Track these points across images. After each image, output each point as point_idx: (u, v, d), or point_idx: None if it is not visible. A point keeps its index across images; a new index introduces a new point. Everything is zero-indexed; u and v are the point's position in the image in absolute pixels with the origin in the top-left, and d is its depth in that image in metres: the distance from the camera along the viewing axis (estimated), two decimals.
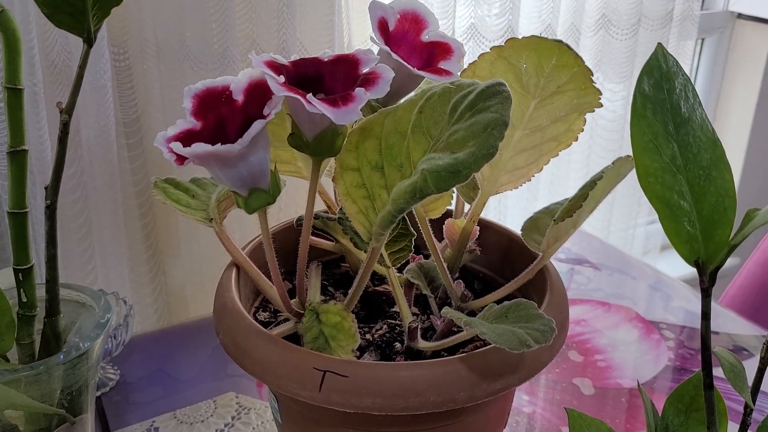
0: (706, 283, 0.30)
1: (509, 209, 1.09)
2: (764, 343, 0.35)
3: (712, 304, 0.81)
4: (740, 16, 1.39)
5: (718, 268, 0.30)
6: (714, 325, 0.76)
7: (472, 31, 0.93)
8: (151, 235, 0.83)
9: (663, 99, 0.30)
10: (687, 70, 1.20)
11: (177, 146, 0.33)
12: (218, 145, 0.33)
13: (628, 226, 1.26)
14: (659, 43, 0.31)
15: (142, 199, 0.81)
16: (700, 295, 0.81)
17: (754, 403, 0.34)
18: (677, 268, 1.41)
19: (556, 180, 1.15)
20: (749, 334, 0.75)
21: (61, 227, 0.74)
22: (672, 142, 0.30)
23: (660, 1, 1.07)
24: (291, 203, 0.81)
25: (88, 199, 0.75)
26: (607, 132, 1.14)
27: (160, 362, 0.69)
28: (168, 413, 0.63)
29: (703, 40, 1.42)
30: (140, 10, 0.72)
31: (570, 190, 1.19)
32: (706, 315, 0.30)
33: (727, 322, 0.77)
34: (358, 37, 0.84)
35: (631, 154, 0.39)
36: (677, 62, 0.31)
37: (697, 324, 0.76)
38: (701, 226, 0.30)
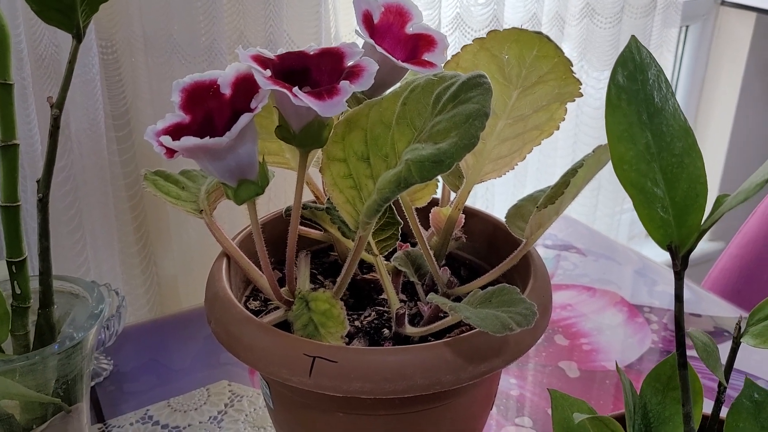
0: (679, 266, 0.31)
1: (497, 197, 1.10)
2: (737, 324, 0.37)
3: (695, 287, 0.82)
4: (723, 2, 1.40)
5: (689, 251, 0.31)
6: (696, 308, 0.78)
7: (458, 21, 0.94)
8: (142, 227, 0.83)
9: (637, 90, 0.32)
10: (671, 57, 1.21)
11: (166, 140, 0.34)
12: (207, 138, 0.34)
13: (614, 212, 1.28)
14: (633, 36, 0.32)
15: (132, 192, 0.82)
16: (687, 282, 0.83)
17: (727, 381, 0.36)
18: (662, 252, 1.43)
19: (543, 167, 1.17)
20: (731, 316, 0.76)
21: (51, 219, 0.75)
22: (646, 131, 0.31)
23: None
24: (280, 193, 0.81)
25: (79, 191, 0.76)
26: (592, 119, 1.16)
27: (153, 352, 0.70)
28: (162, 402, 0.64)
29: (687, 27, 1.44)
30: (127, 3, 0.72)
31: (557, 177, 1.20)
32: (679, 297, 0.32)
33: (709, 305, 0.78)
34: (345, 28, 0.85)
35: None
36: (650, 54, 0.32)
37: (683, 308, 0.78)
38: (674, 212, 0.31)
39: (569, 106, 0.47)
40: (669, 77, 1.43)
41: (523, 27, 0.98)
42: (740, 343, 0.36)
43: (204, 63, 0.73)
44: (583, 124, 1.15)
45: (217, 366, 0.68)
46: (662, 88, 0.32)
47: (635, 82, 0.32)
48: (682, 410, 0.33)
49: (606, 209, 1.25)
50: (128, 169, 0.81)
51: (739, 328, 0.36)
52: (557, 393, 0.40)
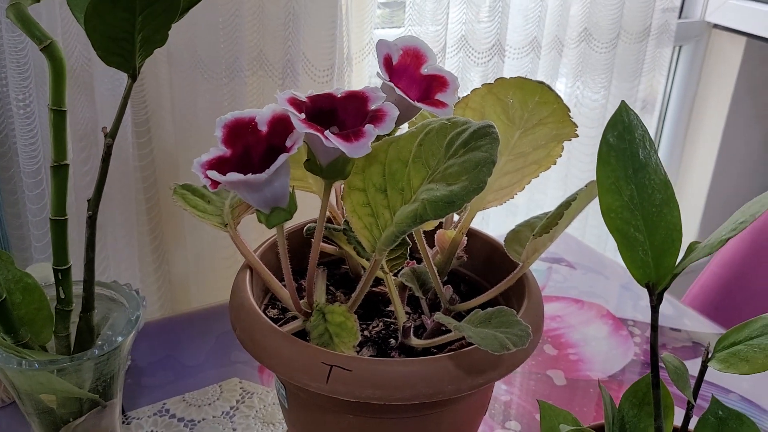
0: (655, 301, 0.36)
1: (492, 217, 1.16)
2: (705, 349, 0.42)
3: (676, 302, 0.88)
4: (716, 26, 1.46)
5: (664, 289, 0.36)
6: (676, 323, 0.83)
7: (462, 42, 0.99)
8: (157, 228, 0.88)
9: (624, 148, 0.37)
10: (663, 80, 1.27)
11: (214, 174, 0.39)
12: (249, 175, 0.39)
13: (603, 224, 1.33)
14: (623, 101, 0.37)
15: (149, 195, 0.87)
16: (668, 297, 0.88)
17: (695, 400, 0.41)
18: None
19: (535, 185, 1.22)
20: (708, 332, 0.82)
21: (75, 218, 0.79)
22: (631, 184, 0.36)
23: (639, 17, 1.13)
24: (299, 210, 0.86)
25: (102, 194, 0.80)
26: (586, 137, 1.21)
27: (169, 348, 0.75)
28: (178, 396, 0.69)
29: (680, 47, 1.49)
30: None
31: (550, 189, 1.26)
32: (654, 327, 0.37)
33: (689, 320, 0.84)
34: (356, 45, 0.90)
35: None
36: (637, 116, 0.37)
37: (664, 322, 0.83)
38: (653, 254, 0.36)
39: None
40: (661, 95, 1.49)
41: (524, 49, 1.03)
42: (708, 366, 0.41)
43: (225, 79, 0.77)
44: (577, 142, 1.20)
45: (228, 364, 0.73)
46: (647, 146, 0.37)
47: (623, 141, 0.37)
48: (654, 424, 0.39)
49: (596, 222, 1.31)
50: (146, 174, 0.85)
51: (707, 352, 0.42)
52: (546, 404, 0.45)
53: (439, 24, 0.97)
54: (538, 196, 1.24)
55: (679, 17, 1.43)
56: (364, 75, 0.94)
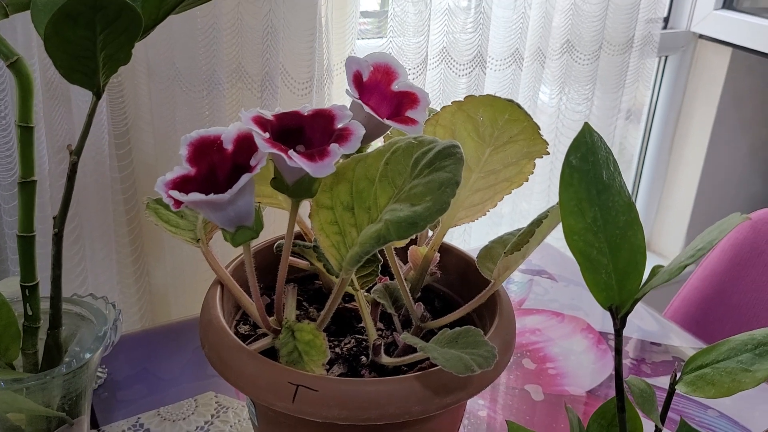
0: (618, 325, 0.36)
1: (473, 233, 1.16)
2: (674, 371, 0.42)
3: (658, 316, 0.88)
4: (701, 36, 1.46)
5: (627, 312, 0.36)
6: (656, 337, 0.83)
7: (444, 54, 0.99)
8: (137, 240, 0.87)
9: (588, 169, 0.36)
10: (648, 92, 1.27)
11: (176, 194, 0.39)
12: (211, 195, 0.38)
13: None
14: (585, 123, 0.37)
15: (129, 206, 0.86)
16: (649, 311, 0.88)
17: (663, 424, 0.41)
18: None
19: (520, 191, 1.22)
20: (688, 346, 0.82)
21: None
22: (594, 206, 0.36)
23: (621, 28, 1.14)
24: (268, 223, 0.86)
25: (79, 206, 0.80)
26: (570, 140, 1.21)
27: (145, 362, 0.75)
28: (152, 410, 0.68)
29: (666, 57, 1.50)
30: None
31: (534, 200, 1.26)
32: (618, 351, 0.37)
33: (669, 334, 0.84)
34: (337, 57, 0.90)
35: None
36: (601, 137, 0.37)
37: (644, 336, 0.83)
38: (616, 277, 0.36)
39: None
40: (647, 105, 1.49)
41: (506, 60, 1.03)
42: (675, 389, 0.41)
43: (203, 92, 0.77)
44: (560, 153, 1.20)
45: (204, 377, 0.73)
46: (610, 168, 0.37)
47: (587, 162, 0.36)
48: None
49: None
50: (126, 185, 0.85)
51: (675, 375, 0.41)
52: (514, 425, 0.44)
53: (421, 35, 0.97)
54: (523, 206, 1.24)
55: (665, 28, 1.44)
56: (344, 87, 0.94)
